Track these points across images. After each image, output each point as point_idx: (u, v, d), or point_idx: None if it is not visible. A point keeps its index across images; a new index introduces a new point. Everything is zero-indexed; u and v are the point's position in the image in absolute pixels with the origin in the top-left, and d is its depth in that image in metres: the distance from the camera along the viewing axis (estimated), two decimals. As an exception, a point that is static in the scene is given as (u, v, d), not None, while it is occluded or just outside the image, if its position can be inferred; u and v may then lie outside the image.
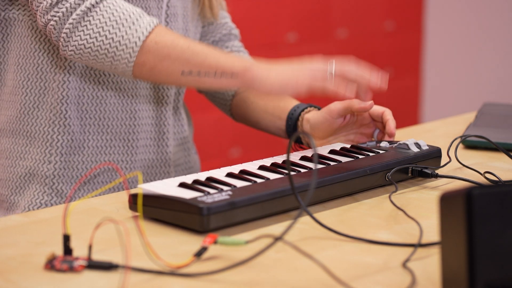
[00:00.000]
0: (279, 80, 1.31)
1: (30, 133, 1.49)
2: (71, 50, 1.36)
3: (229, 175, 1.23)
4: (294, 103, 1.54)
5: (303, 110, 1.51)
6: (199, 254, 1.01)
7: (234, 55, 1.38)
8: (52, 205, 1.48)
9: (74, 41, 1.35)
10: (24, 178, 1.50)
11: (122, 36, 1.34)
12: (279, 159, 1.30)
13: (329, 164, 1.29)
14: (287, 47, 3.46)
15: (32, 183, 1.50)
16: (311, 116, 1.48)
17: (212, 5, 1.62)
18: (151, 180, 1.55)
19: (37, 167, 1.49)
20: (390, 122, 1.43)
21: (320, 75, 1.30)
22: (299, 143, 1.54)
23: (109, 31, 1.34)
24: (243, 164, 1.29)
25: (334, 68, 1.30)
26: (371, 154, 1.35)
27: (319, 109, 1.51)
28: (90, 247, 1.00)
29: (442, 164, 1.39)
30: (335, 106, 1.44)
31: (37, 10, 1.38)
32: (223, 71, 1.34)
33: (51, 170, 1.49)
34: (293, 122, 1.52)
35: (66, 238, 1.01)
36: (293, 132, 1.52)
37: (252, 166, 1.28)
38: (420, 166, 1.34)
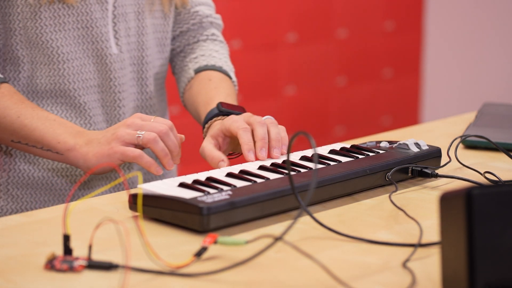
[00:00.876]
0: (96, 160, 1.33)
1: None
2: None
3: (229, 175, 1.23)
4: (207, 111, 1.50)
5: (207, 122, 1.48)
6: (199, 254, 1.01)
7: (64, 131, 1.37)
8: (8, 210, 1.50)
9: None
10: None
11: None
12: (279, 159, 1.30)
13: (329, 164, 1.29)
14: (287, 47, 3.46)
15: None
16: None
17: None
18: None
19: None
20: (244, 146, 1.32)
21: (129, 140, 1.33)
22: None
23: None
24: (243, 164, 1.29)
25: (144, 134, 1.32)
26: (371, 154, 1.35)
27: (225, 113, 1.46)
28: (90, 247, 1.00)
29: (442, 164, 1.39)
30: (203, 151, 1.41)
31: None
32: (47, 147, 1.38)
33: (4, 178, 1.50)
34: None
35: (66, 238, 1.01)
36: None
37: (252, 166, 1.28)
38: (420, 166, 1.34)
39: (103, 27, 1.49)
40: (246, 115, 1.36)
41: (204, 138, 1.44)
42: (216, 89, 1.55)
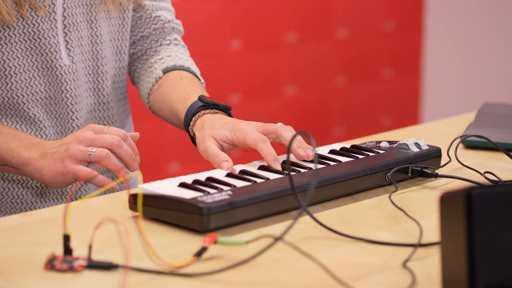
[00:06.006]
0: (51, 176, 1.32)
1: None
2: None
3: (229, 175, 1.23)
4: (187, 106, 1.46)
5: (191, 120, 1.44)
6: (199, 254, 1.01)
7: (18, 144, 1.36)
8: None
9: None
10: None
11: None
12: (279, 159, 1.30)
13: (329, 164, 1.29)
14: (287, 47, 3.46)
15: None
16: (197, 136, 1.41)
17: None
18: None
19: None
20: (267, 156, 1.28)
21: (81, 157, 1.31)
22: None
23: None
24: (243, 164, 1.29)
25: (95, 151, 1.30)
26: (371, 154, 1.35)
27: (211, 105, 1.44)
28: (90, 247, 1.00)
29: (442, 164, 1.39)
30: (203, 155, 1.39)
31: None
32: (3, 162, 1.37)
33: None
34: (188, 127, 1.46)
35: (66, 238, 1.01)
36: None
37: (252, 166, 1.28)
38: (420, 166, 1.34)
39: (51, 38, 1.46)
40: (257, 125, 1.34)
41: (189, 130, 1.43)
42: (190, 87, 1.52)
